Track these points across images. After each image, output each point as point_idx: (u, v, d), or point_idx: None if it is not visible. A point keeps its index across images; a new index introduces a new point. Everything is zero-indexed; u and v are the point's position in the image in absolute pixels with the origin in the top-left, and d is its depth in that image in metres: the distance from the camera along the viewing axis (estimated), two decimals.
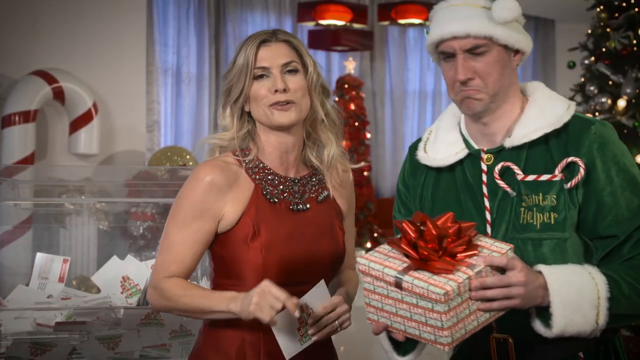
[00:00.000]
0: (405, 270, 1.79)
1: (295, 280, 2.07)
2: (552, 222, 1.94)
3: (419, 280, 1.76)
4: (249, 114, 2.15)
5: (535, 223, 1.95)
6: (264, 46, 2.10)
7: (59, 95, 6.54)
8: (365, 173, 9.21)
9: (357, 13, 8.74)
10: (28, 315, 2.88)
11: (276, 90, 2.08)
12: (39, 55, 6.68)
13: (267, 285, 1.96)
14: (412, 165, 2.16)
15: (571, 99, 5.99)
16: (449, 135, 2.10)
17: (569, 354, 1.99)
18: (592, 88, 5.84)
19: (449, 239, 1.80)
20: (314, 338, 2.01)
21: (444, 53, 2.00)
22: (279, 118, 2.09)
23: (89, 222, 6.04)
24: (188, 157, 6.89)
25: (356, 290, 2.24)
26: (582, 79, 6.02)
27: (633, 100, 5.64)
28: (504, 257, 1.81)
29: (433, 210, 2.07)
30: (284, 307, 1.94)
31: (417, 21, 8.69)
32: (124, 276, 2.97)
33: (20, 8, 6.68)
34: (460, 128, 2.10)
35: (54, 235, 6.02)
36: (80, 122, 6.69)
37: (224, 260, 2.13)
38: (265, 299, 1.94)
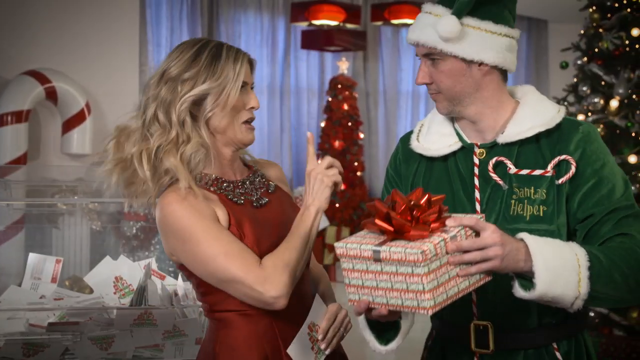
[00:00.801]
0: (382, 244, 1.83)
1: None
2: (541, 214, 2.06)
3: (396, 247, 1.80)
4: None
5: (525, 214, 2.06)
6: (247, 61, 2.15)
7: (51, 95, 6.53)
8: (359, 173, 9.21)
9: (350, 13, 8.74)
10: (21, 315, 2.87)
11: (252, 107, 2.15)
12: (31, 55, 6.66)
13: (317, 169, 2.06)
14: (405, 154, 2.26)
15: (564, 99, 6.06)
16: (443, 127, 2.21)
17: (544, 343, 2.09)
18: (584, 88, 5.84)
19: (421, 209, 1.84)
20: (327, 352, 2.09)
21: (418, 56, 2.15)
22: (248, 136, 2.15)
23: (82, 223, 6.02)
24: None
25: (328, 281, 2.36)
26: (575, 80, 6.03)
27: (625, 101, 5.65)
28: (473, 218, 1.85)
29: None
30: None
31: (410, 21, 8.69)
32: (116, 276, 2.96)
33: (13, 8, 6.66)
34: (453, 122, 2.22)
35: (47, 235, 6.00)
36: (73, 122, 6.68)
37: None
38: (330, 173, 2.06)
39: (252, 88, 2.18)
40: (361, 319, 2.05)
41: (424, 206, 1.84)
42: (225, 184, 2.16)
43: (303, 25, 8.80)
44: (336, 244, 1.90)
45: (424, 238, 1.80)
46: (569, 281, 1.92)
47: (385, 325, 2.06)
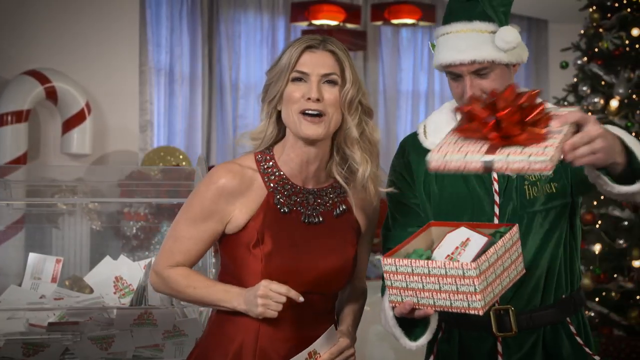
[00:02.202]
0: (489, 152, 1.68)
1: (298, 291, 2.07)
2: (554, 190, 2.21)
3: (514, 155, 1.65)
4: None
5: (540, 195, 2.21)
6: (308, 51, 2.10)
7: (51, 95, 6.52)
8: None
9: (350, 13, 8.73)
10: (21, 315, 2.87)
11: (309, 98, 2.06)
12: (31, 55, 6.66)
13: (266, 284, 2.01)
14: (416, 151, 2.29)
15: (564, 99, 6.06)
16: (451, 127, 2.26)
17: (559, 319, 2.25)
18: (584, 88, 5.85)
19: (527, 110, 1.70)
20: None
21: (451, 74, 2.20)
22: (306, 130, 2.08)
23: (82, 222, 6.02)
24: (181, 157, 6.88)
25: (364, 303, 2.28)
26: (575, 79, 6.03)
27: (625, 101, 5.65)
28: (577, 112, 1.75)
29: (441, 193, 2.25)
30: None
31: (410, 21, 8.69)
32: (116, 276, 2.96)
33: (13, 8, 6.66)
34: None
35: (47, 235, 6.00)
36: (72, 122, 6.68)
37: (229, 260, 2.16)
38: (269, 299, 2.00)
39: (328, 82, 2.08)
40: (390, 316, 2.10)
41: (530, 105, 1.67)
42: (287, 186, 2.13)
43: (303, 25, 8.79)
44: (430, 156, 1.77)
45: (540, 142, 1.64)
46: None
47: (415, 322, 2.11)
